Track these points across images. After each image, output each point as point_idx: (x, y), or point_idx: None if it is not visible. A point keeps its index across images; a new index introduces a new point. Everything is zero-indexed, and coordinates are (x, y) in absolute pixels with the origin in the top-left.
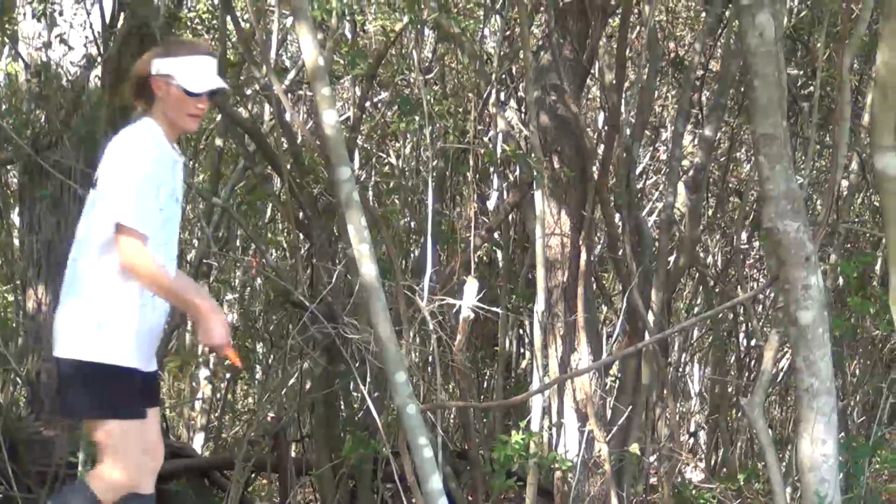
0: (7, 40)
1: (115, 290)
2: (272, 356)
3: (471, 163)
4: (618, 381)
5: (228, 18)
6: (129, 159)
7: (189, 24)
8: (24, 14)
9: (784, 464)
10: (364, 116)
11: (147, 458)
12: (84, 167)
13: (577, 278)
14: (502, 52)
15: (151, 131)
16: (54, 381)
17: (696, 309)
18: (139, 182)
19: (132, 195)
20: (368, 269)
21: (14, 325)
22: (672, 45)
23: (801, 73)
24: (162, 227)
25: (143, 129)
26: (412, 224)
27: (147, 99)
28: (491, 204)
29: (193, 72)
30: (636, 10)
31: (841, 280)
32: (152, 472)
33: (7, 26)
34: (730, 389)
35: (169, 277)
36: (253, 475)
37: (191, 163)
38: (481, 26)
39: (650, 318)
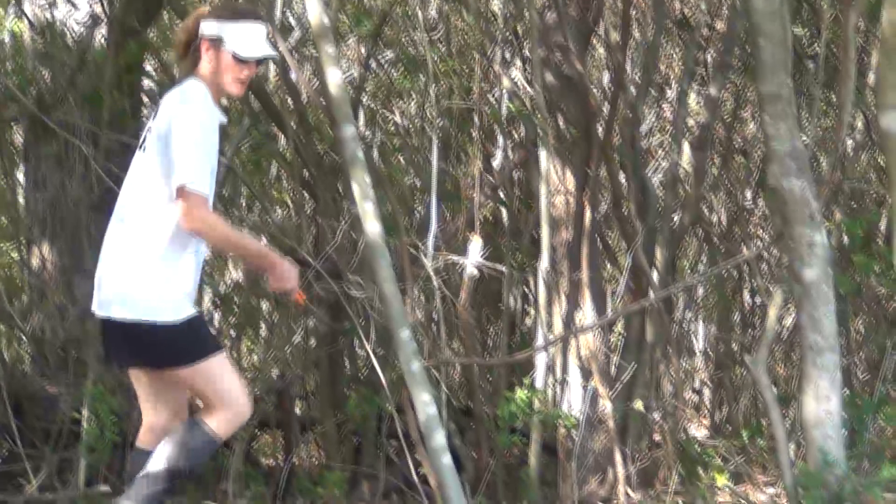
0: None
1: (171, 249)
2: (277, 314)
3: (476, 122)
4: (622, 339)
5: None
6: (190, 121)
7: None
8: None
9: (788, 421)
10: (369, 75)
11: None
12: (89, 125)
13: (582, 236)
14: (507, 12)
15: (204, 92)
16: (66, 339)
17: (701, 267)
18: (202, 144)
19: (197, 157)
20: (373, 227)
21: (19, 282)
22: (677, 4)
23: (807, 32)
24: (211, 189)
25: (198, 90)
26: (417, 182)
27: (194, 59)
28: (496, 163)
29: (245, 37)
30: None
31: (846, 238)
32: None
33: None
34: (734, 347)
35: (238, 233)
36: (257, 432)
37: None
38: None
39: (654, 275)
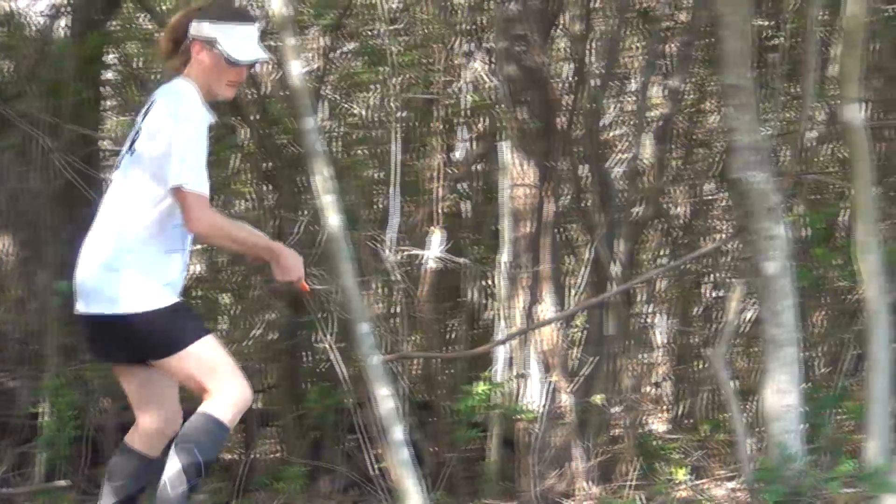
0: None
1: (154, 246)
2: (237, 307)
3: (437, 114)
4: (582, 332)
5: None
6: (185, 121)
7: None
8: None
9: (748, 414)
10: (330, 67)
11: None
12: (50, 117)
13: (543, 229)
14: (470, 3)
15: (195, 92)
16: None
17: (662, 260)
18: (197, 144)
19: (193, 158)
20: (334, 219)
21: None
22: None
23: (769, 24)
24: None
25: (190, 90)
26: (378, 175)
27: (182, 59)
28: (457, 155)
29: (238, 40)
30: None
31: (806, 231)
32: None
33: None
34: (695, 340)
35: (241, 229)
36: None
37: None
38: None
39: (615, 269)
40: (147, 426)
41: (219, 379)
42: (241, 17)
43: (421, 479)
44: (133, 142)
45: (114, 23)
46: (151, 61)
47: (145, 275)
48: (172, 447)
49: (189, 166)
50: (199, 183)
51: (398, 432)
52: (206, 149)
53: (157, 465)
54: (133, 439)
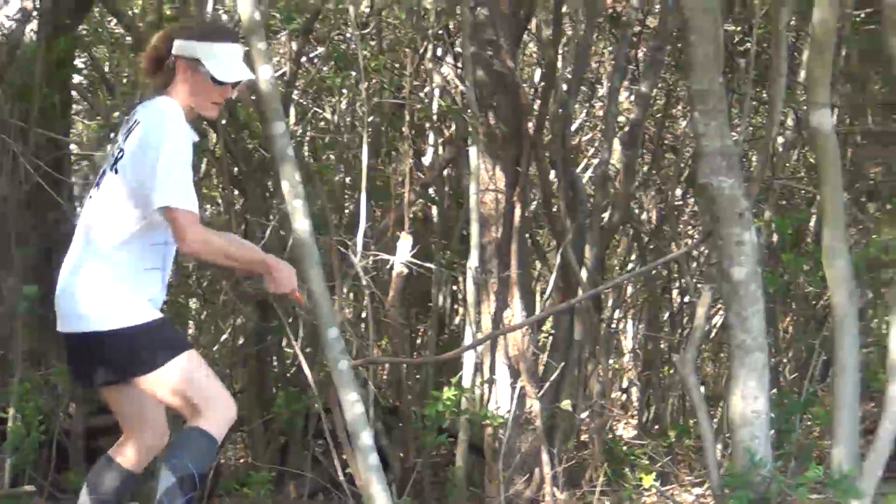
0: None
1: (133, 263)
2: (205, 312)
3: (406, 118)
4: (550, 338)
5: None
6: (171, 140)
7: None
8: None
9: (716, 420)
10: (300, 71)
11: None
12: (19, 121)
13: (511, 234)
14: (439, 8)
15: (179, 111)
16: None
17: (630, 265)
18: (184, 163)
19: (180, 176)
20: (302, 224)
21: None
22: (609, 0)
23: (738, 29)
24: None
25: (174, 108)
26: (347, 179)
27: (164, 77)
28: (426, 160)
29: (224, 60)
30: None
31: (775, 237)
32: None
33: None
34: (663, 346)
35: (233, 243)
36: None
37: (126, 118)
38: None
39: (584, 274)
40: (136, 444)
41: (203, 394)
42: (226, 36)
43: (388, 484)
44: (116, 160)
45: (83, 27)
46: (120, 65)
47: (125, 292)
48: (164, 462)
49: (177, 185)
50: (188, 201)
51: (366, 437)
52: (191, 167)
53: (139, 479)
54: (120, 455)
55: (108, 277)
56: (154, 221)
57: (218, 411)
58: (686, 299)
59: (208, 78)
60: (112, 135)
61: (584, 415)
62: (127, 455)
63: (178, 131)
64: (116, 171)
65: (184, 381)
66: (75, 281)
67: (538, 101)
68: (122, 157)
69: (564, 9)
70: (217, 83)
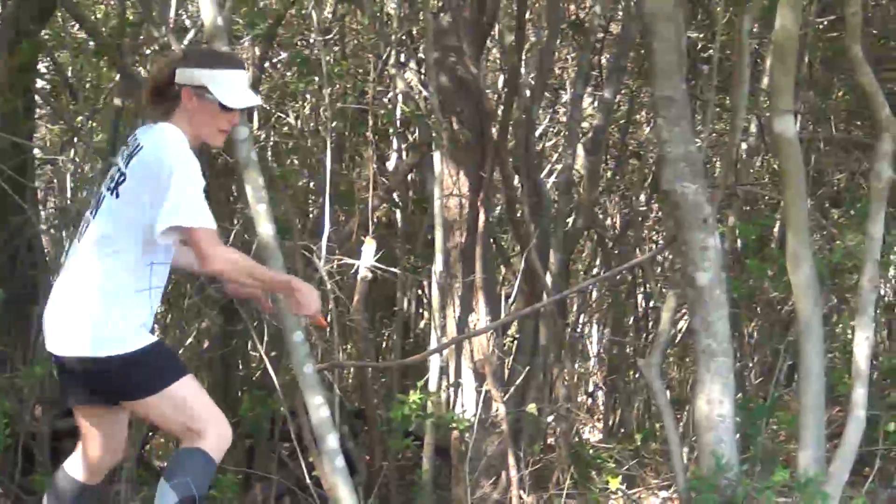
0: None
1: (128, 287)
2: (169, 315)
3: (370, 124)
4: (515, 342)
5: None
6: (183, 164)
7: None
8: None
9: (682, 424)
10: (263, 76)
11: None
12: None
13: (476, 239)
14: (402, 14)
15: (183, 137)
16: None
17: (595, 270)
18: (198, 182)
19: (197, 197)
20: (266, 228)
21: None
22: (572, 7)
23: (701, 36)
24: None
25: (179, 134)
26: (311, 184)
27: (167, 106)
28: (390, 165)
29: (230, 86)
30: None
31: (739, 242)
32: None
33: None
34: (628, 350)
35: (257, 264)
36: (150, 434)
37: (89, 122)
38: None
39: (548, 279)
40: (95, 459)
41: (199, 419)
42: (231, 62)
43: (355, 487)
44: (117, 184)
45: (46, 31)
46: (83, 70)
47: (123, 317)
48: (164, 483)
49: (194, 205)
50: (207, 220)
51: (332, 441)
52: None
53: (97, 489)
54: (75, 469)
55: (109, 302)
56: (150, 244)
57: (215, 434)
58: (651, 304)
59: (216, 105)
60: (75, 139)
61: (549, 418)
62: (83, 468)
63: (188, 153)
64: (118, 196)
65: (181, 407)
66: (69, 304)
67: (502, 107)
68: (123, 181)
69: (528, 15)
70: (224, 109)
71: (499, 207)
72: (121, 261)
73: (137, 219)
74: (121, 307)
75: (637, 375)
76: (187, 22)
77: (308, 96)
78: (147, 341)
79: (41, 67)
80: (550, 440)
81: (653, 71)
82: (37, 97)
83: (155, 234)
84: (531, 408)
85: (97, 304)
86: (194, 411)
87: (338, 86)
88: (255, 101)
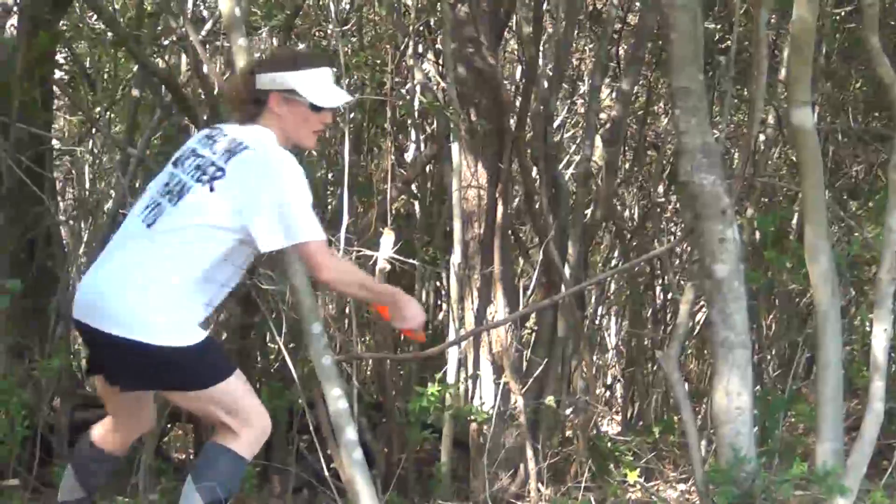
0: None
1: (202, 284)
2: None
3: (388, 115)
4: (534, 334)
5: None
6: (293, 177)
7: None
8: None
9: (700, 417)
10: None
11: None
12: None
13: (494, 231)
14: (420, 4)
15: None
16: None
17: (613, 262)
18: (308, 195)
19: (309, 210)
20: None
21: None
22: None
23: (719, 27)
24: None
25: (274, 140)
26: (329, 175)
27: (251, 112)
28: (408, 156)
29: (319, 85)
30: None
31: (757, 234)
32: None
33: None
34: (646, 342)
35: (368, 276)
36: (168, 426)
37: (107, 113)
38: None
39: (566, 271)
40: (126, 434)
41: (241, 416)
42: (316, 61)
43: (373, 479)
44: (212, 178)
45: (63, 22)
46: (101, 61)
47: (190, 310)
48: (192, 482)
49: (309, 217)
50: (319, 232)
51: (350, 433)
52: None
53: (120, 460)
54: (106, 443)
55: (174, 292)
56: (231, 244)
57: (254, 434)
58: (669, 296)
59: (306, 107)
60: (93, 130)
61: (568, 411)
62: (112, 441)
63: (296, 165)
64: (212, 189)
65: (225, 404)
66: (135, 287)
67: (519, 99)
68: (221, 177)
69: (545, 6)
70: (315, 110)
71: (517, 199)
72: (200, 254)
73: (228, 218)
74: (189, 300)
75: (655, 367)
76: (205, 13)
77: None
78: (202, 335)
79: (59, 58)
80: (568, 432)
81: (670, 62)
82: (55, 88)
83: (260, 248)
84: (549, 400)
85: (168, 292)
86: (237, 410)
87: (355, 77)
88: (346, 97)
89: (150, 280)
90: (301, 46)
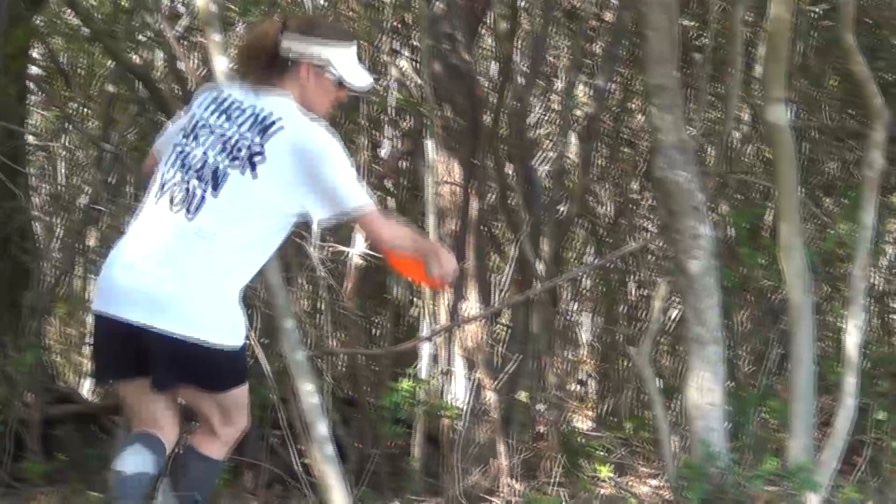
0: None
1: (252, 274)
2: None
3: (363, 111)
4: (507, 330)
5: None
6: (335, 146)
7: None
8: None
9: (673, 412)
10: None
11: None
12: None
13: (468, 227)
14: (395, 1)
15: None
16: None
17: (587, 258)
18: (350, 163)
19: (355, 177)
20: None
21: None
22: None
23: (694, 24)
24: None
25: (297, 108)
26: None
27: (274, 74)
28: (383, 152)
29: (349, 63)
30: None
31: (731, 231)
32: None
33: None
34: (619, 339)
35: (413, 230)
36: None
37: (82, 109)
38: None
39: (540, 267)
40: (171, 434)
41: (241, 416)
42: (347, 36)
43: (345, 475)
44: (252, 162)
45: (39, 18)
46: (76, 57)
47: (239, 304)
48: (169, 489)
49: (358, 189)
50: (370, 199)
51: (322, 428)
52: None
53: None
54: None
55: (230, 289)
56: (281, 230)
57: (232, 434)
58: (642, 292)
59: (335, 81)
60: (68, 126)
61: (540, 406)
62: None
63: (333, 135)
64: (256, 176)
65: (237, 403)
66: (196, 281)
67: (495, 95)
68: (261, 160)
69: (521, 3)
70: (339, 86)
71: (491, 195)
72: (261, 249)
73: (277, 202)
74: (238, 294)
75: (628, 364)
76: (181, 8)
77: None
78: (244, 338)
79: (34, 53)
80: (541, 428)
81: (646, 59)
82: (30, 83)
83: (315, 221)
84: (522, 396)
85: (225, 290)
86: (230, 412)
87: None
88: (371, 79)
89: (203, 276)
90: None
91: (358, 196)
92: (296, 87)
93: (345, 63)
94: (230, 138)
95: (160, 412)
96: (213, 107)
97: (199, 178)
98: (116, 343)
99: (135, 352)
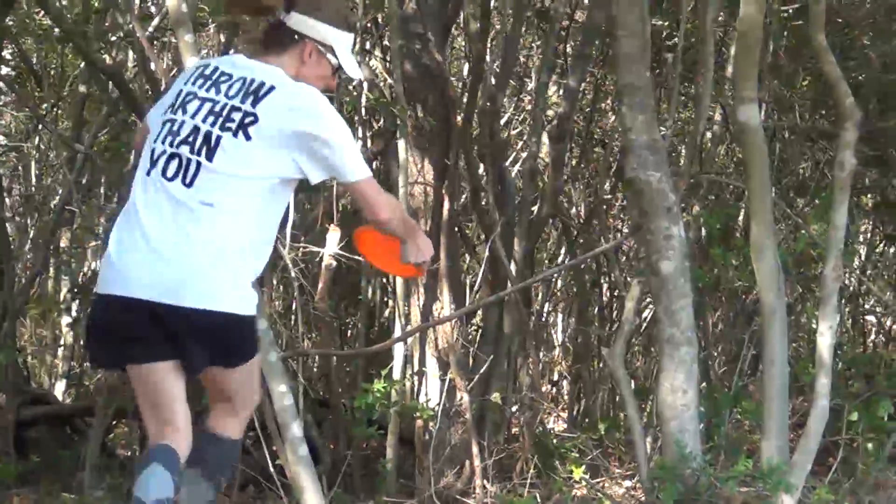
0: None
1: (263, 242)
2: None
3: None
4: (480, 331)
5: None
6: (333, 115)
7: None
8: None
9: (646, 413)
10: None
11: None
12: None
13: (440, 227)
14: (367, 1)
15: None
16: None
17: (560, 259)
18: (349, 132)
19: (355, 147)
20: None
21: None
22: None
23: (666, 24)
24: None
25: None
26: None
27: (276, 44)
28: None
29: (348, 51)
30: None
31: (704, 231)
32: None
33: None
34: (592, 339)
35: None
36: (114, 422)
37: (54, 109)
38: None
39: (513, 267)
40: (183, 427)
41: (256, 389)
42: (350, 24)
43: (318, 476)
44: (243, 125)
45: (10, 18)
46: (48, 57)
47: (252, 273)
48: (199, 475)
49: (356, 157)
50: (367, 169)
51: (295, 429)
52: None
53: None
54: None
55: (243, 256)
56: (284, 192)
57: (248, 413)
58: (615, 293)
59: (332, 67)
60: (40, 126)
61: (514, 408)
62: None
63: (328, 104)
64: (249, 137)
65: (252, 375)
66: (207, 254)
67: (466, 95)
68: (253, 121)
69: (492, 3)
70: (334, 72)
71: (463, 195)
72: (256, 213)
73: (272, 164)
74: (251, 263)
75: (601, 364)
76: (152, 9)
77: None
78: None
79: (6, 54)
80: (514, 429)
81: (617, 59)
82: (1, 84)
83: (312, 181)
84: (495, 397)
85: (236, 258)
86: (255, 382)
87: None
88: (362, 73)
89: (222, 249)
90: (246, 44)
91: (354, 161)
92: (294, 64)
93: (345, 51)
94: (222, 106)
95: (178, 403)
96: (200, 80)
97: (192, 148)
98: (138, 326)
99: (161, 335)
